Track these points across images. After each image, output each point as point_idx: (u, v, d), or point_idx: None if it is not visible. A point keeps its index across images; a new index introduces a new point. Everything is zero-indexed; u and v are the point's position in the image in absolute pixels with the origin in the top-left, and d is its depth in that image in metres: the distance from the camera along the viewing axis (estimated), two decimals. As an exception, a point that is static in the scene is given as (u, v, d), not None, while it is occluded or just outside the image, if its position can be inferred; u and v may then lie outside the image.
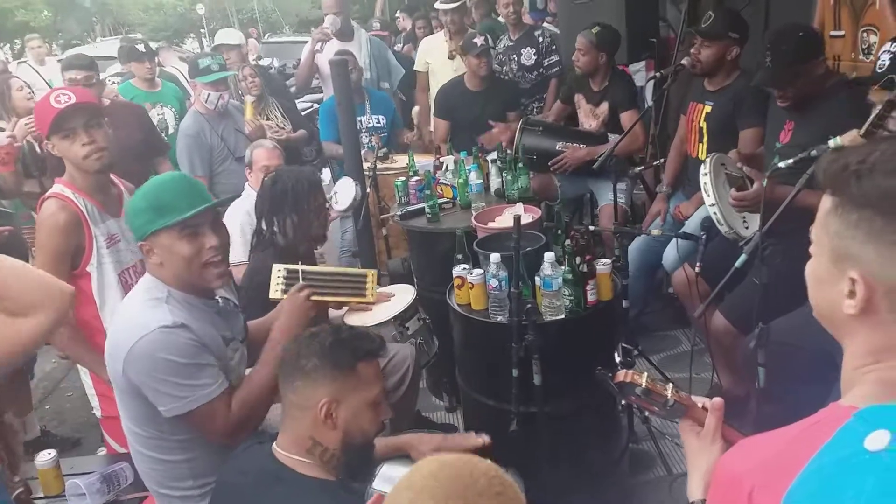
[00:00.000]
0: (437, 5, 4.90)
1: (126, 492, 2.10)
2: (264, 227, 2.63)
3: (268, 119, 4.38)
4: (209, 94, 3.92)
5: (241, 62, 4.81)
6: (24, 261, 2.61)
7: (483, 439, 1.93)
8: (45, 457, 2.15)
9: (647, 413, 2.36)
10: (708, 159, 2.64)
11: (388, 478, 1.79)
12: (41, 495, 2.10)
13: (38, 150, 3.42)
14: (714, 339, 2.81)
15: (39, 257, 2.29)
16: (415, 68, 5.15)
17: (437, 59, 4.92)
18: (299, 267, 2.18)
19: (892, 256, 0.82)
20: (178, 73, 5.89)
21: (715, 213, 2.53)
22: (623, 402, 1.37)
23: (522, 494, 0.95)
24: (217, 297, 1.98)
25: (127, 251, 2.41)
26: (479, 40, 4.19)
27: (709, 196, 2.53)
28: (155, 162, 3.90)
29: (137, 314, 1.79)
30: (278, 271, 2.15)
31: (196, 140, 3.91)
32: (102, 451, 2.69)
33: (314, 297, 2.07)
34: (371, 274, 2.30)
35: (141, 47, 4.59)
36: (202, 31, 22.93)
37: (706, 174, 2.56)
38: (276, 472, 1.54)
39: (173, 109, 4.55)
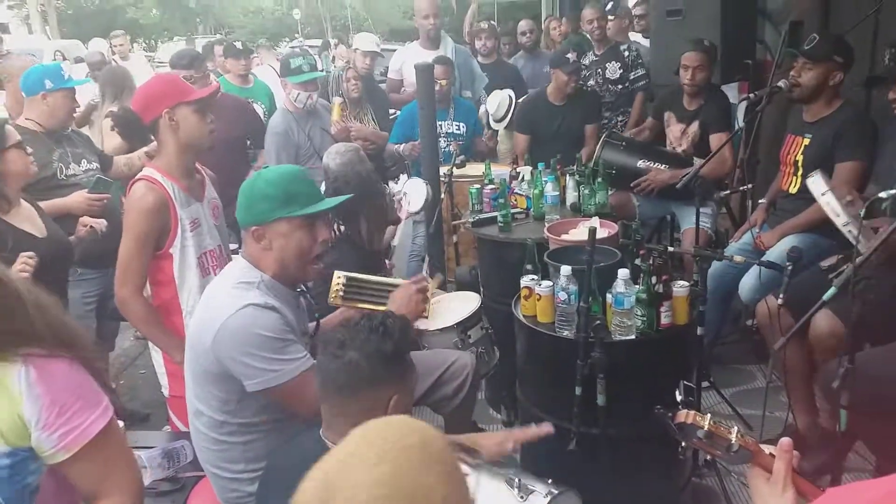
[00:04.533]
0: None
1: (185, 469, 2.15)
2: (341, 229, 2.69)
3: (361, 122, 4.46)
4: (298, 94, 3.99)
5: (374, 69, 4.92)
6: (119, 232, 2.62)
7: (547, 429, 1.86)
8: (114, 427, 2.23)
9: (708, 457, 2.23)
10: (817, 176, 2.40)
11: None
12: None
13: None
14: (795, 371, 2.65)
15: (126, 238, 2.38)
16: None
17: None
18: (361, 276, 2.24)
19: None
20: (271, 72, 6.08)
21: (850, 231, 2.27)
22: (684, 444, 1.30)
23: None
24: (298, 290, 2.04)
25: (207, 235, 2.48)
26: (571, 56, 4.14)
27: (839, 216, 2.30)
28: (256, 153, 4.20)
29: (228, 295, 1.84)
30: (338, 278, 2.23)
31: (284, 138, 3.99)
32: (167, 428, 2.78)
33: (365, 306, 2.14)
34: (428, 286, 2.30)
35: (238, 45, 4.76)
36: (297, 35, 23.81)
37: (826, 192, 2.33)
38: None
39: (263, 106, 4.69)
